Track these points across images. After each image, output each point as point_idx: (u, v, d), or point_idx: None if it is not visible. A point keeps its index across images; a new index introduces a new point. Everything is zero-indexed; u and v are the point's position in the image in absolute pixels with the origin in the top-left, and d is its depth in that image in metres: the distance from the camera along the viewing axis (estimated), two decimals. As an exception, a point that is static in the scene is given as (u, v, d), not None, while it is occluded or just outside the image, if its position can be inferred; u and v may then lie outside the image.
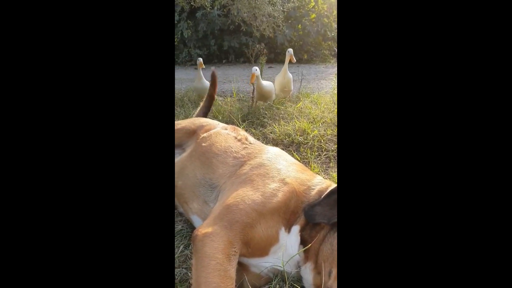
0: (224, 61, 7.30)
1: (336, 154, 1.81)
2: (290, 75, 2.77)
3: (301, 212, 0.95)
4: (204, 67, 2.96)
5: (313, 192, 1.01)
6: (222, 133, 1.28)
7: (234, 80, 4.09)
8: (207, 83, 2.68)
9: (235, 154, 1.15)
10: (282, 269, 0.89)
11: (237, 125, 2.01)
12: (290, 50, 2.74)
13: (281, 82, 2.70)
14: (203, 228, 0.84)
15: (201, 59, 2.97)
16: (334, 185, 0.98)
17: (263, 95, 2.52)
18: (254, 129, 2.12)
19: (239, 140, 1.23)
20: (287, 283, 0.83)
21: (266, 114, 2.33)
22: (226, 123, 1.81)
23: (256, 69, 2.37)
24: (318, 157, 1.77)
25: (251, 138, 1.28)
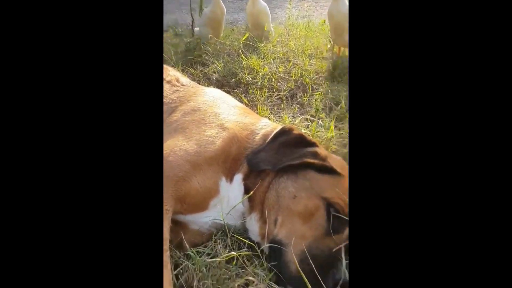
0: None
1: (289, 94, 1.79)
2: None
3: (244, 160, 0.94)
4: None
5: (257, 137, 0.99)
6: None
7: (168, 12, 3.71)
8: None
9: (163, 99, 1.06)
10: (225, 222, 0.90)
11: (171, 65, 1.86)
12: None
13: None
14: None
15: None
16: (280, 127, 0.97)
17: (258, 24, 2.28)
18: (194, 68, 1.99)
19: (169, 82, 1.13)
20: (229, 236, 0.85)
21: (209, 50, 2.18)
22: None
23: None
24: (268, 99, 1.74)
25: (184, 79, 1.18)
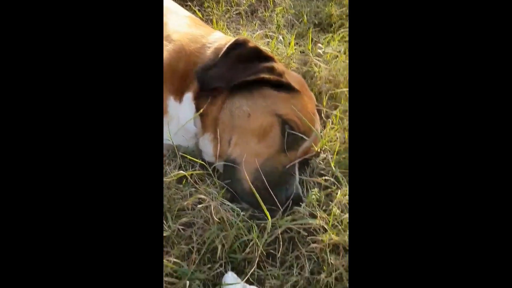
0: None
1: (249, 9, 1.64)
2: None
3: (193, 76, 0.86)
4: None
5: (209, 51, 0.90)
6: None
7: None
8: None
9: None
10: (176, 144, 0.85)
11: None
12: None
13: None
14: None
15: None
16: (233, 39, 0.88)
17: None
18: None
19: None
20: (179, 156, 0.81)
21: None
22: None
23: None
24: (226, 14, 1.58)
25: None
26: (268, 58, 0.88)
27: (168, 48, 0.85)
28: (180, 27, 0.94)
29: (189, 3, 1.61)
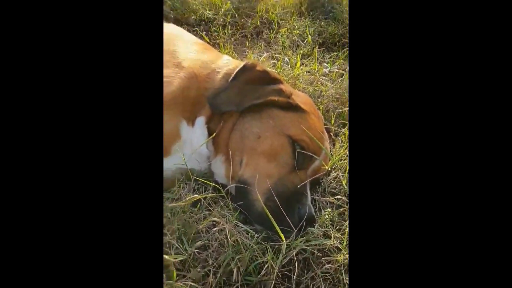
0: None
1: (254, 31, 1.69)
2: None
3: (205, 101, 0.89)
4: None
5: (219, 76, 0.93)
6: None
7: None
8: None
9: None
10: (189, 167, 0.87)
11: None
12: None
13: None
14: None
15: None
16: (242, 64, 0.91)
17: None
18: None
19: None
20: (192, 179, 0.82)
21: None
22: None
23: None
24: (232, 37, 1.63)
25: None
26: (276, 81, 0.90)
27: (180, 75, 0.88)
28: (190, 54, 0.97)
29: (196, 28, 1.66)
